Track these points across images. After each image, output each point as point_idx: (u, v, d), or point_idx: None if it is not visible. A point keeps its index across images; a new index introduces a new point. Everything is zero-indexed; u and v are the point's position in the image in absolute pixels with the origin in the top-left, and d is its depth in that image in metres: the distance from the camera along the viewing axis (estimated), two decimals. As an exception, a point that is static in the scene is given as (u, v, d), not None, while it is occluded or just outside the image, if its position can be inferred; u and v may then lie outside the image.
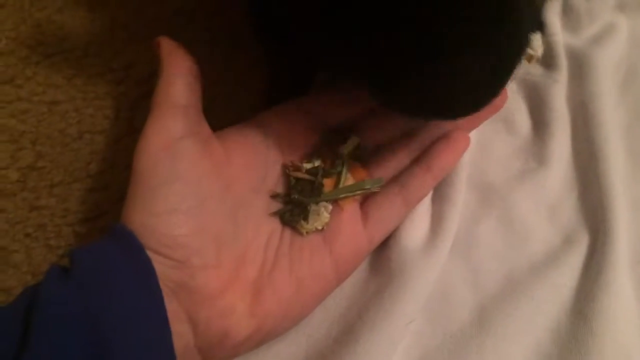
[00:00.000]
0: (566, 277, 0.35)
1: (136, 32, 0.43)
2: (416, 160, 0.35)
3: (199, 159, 0.31)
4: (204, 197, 0.30)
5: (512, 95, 0.40)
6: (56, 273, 0.27)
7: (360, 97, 0.37)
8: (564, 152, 0.39)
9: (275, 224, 0.33)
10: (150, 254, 0.28)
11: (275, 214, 0.33)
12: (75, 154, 0.38)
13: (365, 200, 0.35)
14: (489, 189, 0.39)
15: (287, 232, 0.33)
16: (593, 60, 0.41)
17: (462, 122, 0.35)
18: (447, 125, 0.36)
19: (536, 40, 0.36)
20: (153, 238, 0.28)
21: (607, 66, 0.41)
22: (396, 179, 0.35)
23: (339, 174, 0.34)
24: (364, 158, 0.36)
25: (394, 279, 0.34)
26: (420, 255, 0.35)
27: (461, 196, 0.37)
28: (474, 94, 0.28)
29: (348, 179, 0.34)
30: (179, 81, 0.32)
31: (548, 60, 0.42)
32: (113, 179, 0.37)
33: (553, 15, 0.43)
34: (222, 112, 0.41)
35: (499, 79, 0.28)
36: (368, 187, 0.34)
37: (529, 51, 0.36)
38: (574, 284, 0.35)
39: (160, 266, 0.28)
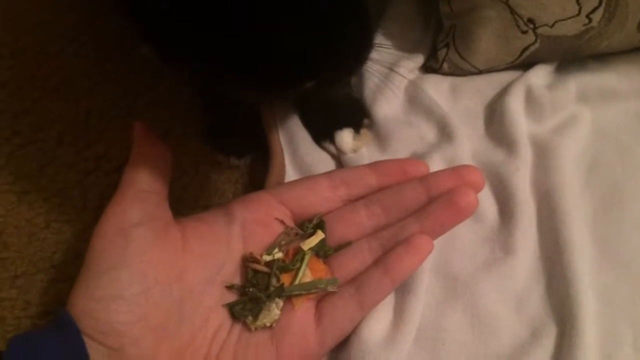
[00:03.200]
0: (534, 372, 0.34)
1: (111, 121, 0.44)
2: (376, 262, 0.34)
3: (150, 247, 0.31)
4: (150, 286, 0.30)
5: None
6: None
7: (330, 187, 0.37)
8: (529, 241, 0.38)
9: (226, 316, 0.33)
10: (87, 339, 0.28)
11: (226, 306, 0.33)
12: (41, 243, 0.38)
13: (321, 299, 0.34)
14: (455, 279, 0.38)
15: (238, 326, 0.33)
16: (557, 150, 0.41)
17: (429, 226, 0.34)
18: (412, 228, 0.34)
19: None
20: (91, 323, 0.28)
21: (571, 156, 0.41)
22: (353, 280, 0.33)
23: (297, 269, 0.33)
24: (328, 254, 0.35)
25: (355, 375, 0.33)
26: (380, 350, 0.34)
27: (424, 287, 0.36)
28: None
29: (306, 276, 0.33)
30: (145, 166, 0.32)
31: (510, 147, 0.42)
32: (76, 269, 0.37)
33: (517, 104, 0.43)
34: (193, 199, 0.42)
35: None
36: (322, 286, 0.33)
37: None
38: (542, 380, 0.34)
39: (95, 353, 0.28)
